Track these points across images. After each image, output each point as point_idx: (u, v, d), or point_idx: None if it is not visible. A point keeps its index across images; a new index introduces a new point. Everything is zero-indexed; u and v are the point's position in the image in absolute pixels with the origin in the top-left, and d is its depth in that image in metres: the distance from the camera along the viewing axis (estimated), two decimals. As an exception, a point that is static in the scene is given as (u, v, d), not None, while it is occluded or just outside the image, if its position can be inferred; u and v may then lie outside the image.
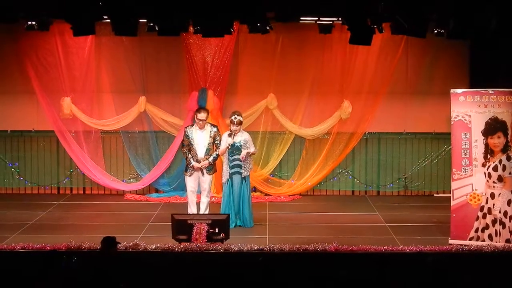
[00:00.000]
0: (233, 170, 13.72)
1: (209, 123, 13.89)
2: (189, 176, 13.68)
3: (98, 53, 16.03)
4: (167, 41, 15.08)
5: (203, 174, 13.65)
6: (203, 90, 15.95)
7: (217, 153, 13.65)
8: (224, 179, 13.79)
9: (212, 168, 13.71)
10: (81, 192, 16.75)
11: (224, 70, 15.99)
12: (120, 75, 16.27)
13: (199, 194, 13.88)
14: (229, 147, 13.57)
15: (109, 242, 9.39)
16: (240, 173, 13.70)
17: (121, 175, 16.67)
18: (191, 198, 13.80)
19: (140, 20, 12.61)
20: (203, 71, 15.98)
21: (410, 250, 11.80)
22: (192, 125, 13.76)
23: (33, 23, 13.32)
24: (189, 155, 13.56)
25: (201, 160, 13.55)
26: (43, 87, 16.07)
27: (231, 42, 15.65)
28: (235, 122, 13.56)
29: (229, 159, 13.70)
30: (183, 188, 14.81)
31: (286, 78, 16.25)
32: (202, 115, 13.52)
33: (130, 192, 16.52)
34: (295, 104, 16.44)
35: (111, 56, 16.17)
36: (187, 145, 13.62)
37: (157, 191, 16.63)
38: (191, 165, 13.54)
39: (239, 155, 13.57)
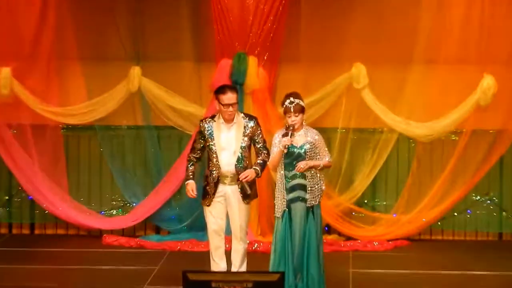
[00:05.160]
0: (292, 195, 10.39)
1: (242, 113, 11.10)
2: (208, 206, 10.64)
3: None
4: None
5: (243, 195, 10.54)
6: (240, 56, 12.98)
7: (261, 161, 10.44)
8: (277, 213, 10.55)
9: (250, 192, 10.52)
10: (26, 231, 13.31)
11: (276, 25, 12.98)
12: (97, 32, 13.15)
13: (229, 237, 10.78)
14: (285, 153, 10.22)
15: None
16: (305, 200, 10.44)
17: (97, 202, 13.32)
18: (216, 244, 10.78)
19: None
20: (241, 25, 13.05)
21: None
22: (212, 118, 10.90)
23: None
24: (208, 168, 10.61)
25: (229, 174, 10.50)
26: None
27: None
28: (293, 110, 10.69)
29: (285, 177, 10.49)
30: (203, 226, 11.34)
31: (381, 41, 12.90)
32: (229, 97, 10.77)
33: (112, 232, 13.24)
34: (397, 84, 12.86)
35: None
36: (199, 149, 10.71)
37: (158, 231, 13.40)
38: (214, 182, 10.38)
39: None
